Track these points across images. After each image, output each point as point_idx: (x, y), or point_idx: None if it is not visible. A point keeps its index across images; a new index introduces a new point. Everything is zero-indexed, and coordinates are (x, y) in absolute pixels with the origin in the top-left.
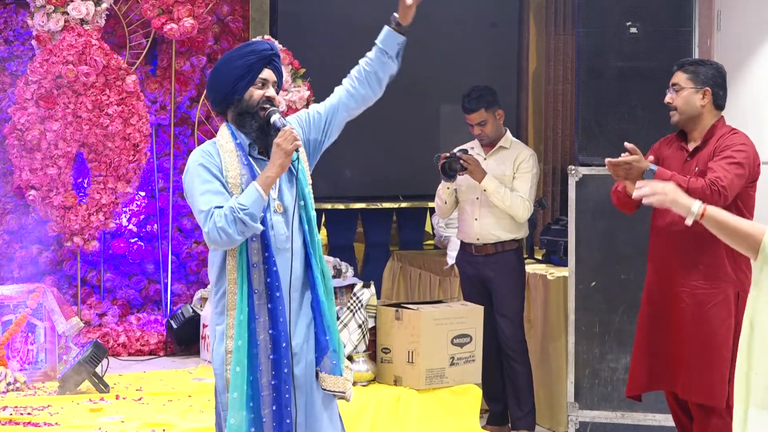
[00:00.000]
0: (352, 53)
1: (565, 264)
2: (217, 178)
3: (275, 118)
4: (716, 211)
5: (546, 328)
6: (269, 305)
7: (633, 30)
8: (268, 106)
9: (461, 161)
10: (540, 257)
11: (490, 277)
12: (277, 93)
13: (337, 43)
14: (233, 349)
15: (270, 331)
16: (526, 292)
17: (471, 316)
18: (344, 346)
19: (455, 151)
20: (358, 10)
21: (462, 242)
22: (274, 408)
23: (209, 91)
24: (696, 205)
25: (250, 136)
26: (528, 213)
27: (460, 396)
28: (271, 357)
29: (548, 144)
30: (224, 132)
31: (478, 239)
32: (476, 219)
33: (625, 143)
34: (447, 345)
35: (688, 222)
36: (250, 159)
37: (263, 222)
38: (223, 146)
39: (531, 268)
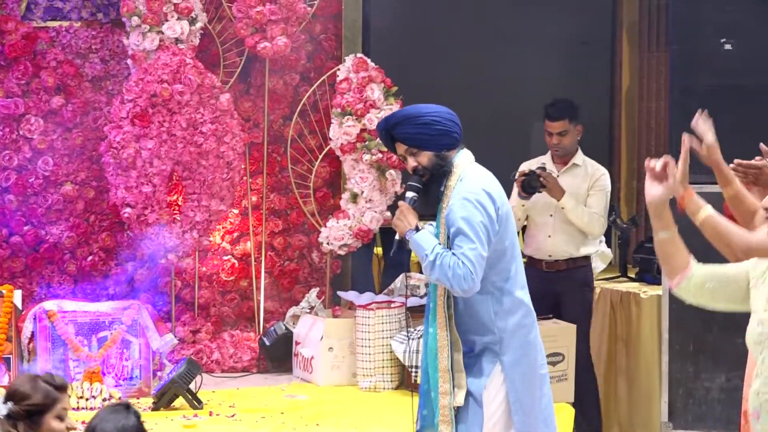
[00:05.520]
0: (443, 71)
1: (658, 282)
2: None
3: (407, 194)
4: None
5: (639, 346)
6: None
7: (727, 46)
8: (421, 173)
9: (540, 179)
10: (633, 275)
11: (560, 292)
12: (423, 148)
13: (429, 61)
14: None
15: None
16: (620, 309)
17: (563, 335)
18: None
19: (533, 168)
20: (451, 28)
21: (531, 257)
22: None
23: None
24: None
25: None
26: (603, 229)
27: None
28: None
29: (642, 161)
30: None
31: (550, 255)
32: (549, 236)
33: (761, 144)
34: (546, 365)
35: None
36: None
37: None
38: None
39: (624, 286)
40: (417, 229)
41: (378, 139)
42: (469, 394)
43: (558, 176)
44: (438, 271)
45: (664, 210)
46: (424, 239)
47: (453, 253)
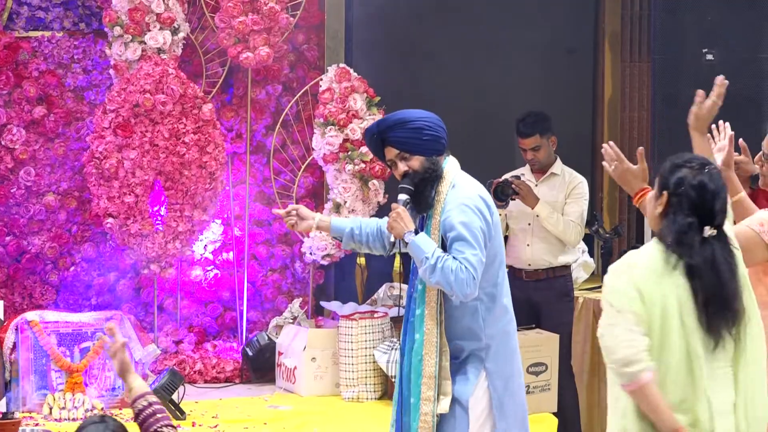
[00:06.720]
0: (426, 81)
1: None
2: None
3: (400, 196)
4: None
5: None
6: None
7: (709, 57)
8: (412, 177)
9: (513, 186)
10: None
11: (539, 301)
12: (414, 152)
13: (412, 71)
14: None
15: None
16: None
17: (546, 345)
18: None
19: (507, 177)
20: (434, 37)
21: (511, 267)
22: None
23: None
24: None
25: None
26: (579, 237)
27: (536, 425)
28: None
29: None
30: None
31: (529, 264)
32: (528, 245)
33: (740, 140)
34: (523, 373)
35: None
36: None
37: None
38: None
39: None
40: (416, 232)
41: (360, 149)
42: (454, 400)
43: (536, 186)
44: (439, 274)
45: (699, 141)
46: (424, 242)
47: (454, 257)
